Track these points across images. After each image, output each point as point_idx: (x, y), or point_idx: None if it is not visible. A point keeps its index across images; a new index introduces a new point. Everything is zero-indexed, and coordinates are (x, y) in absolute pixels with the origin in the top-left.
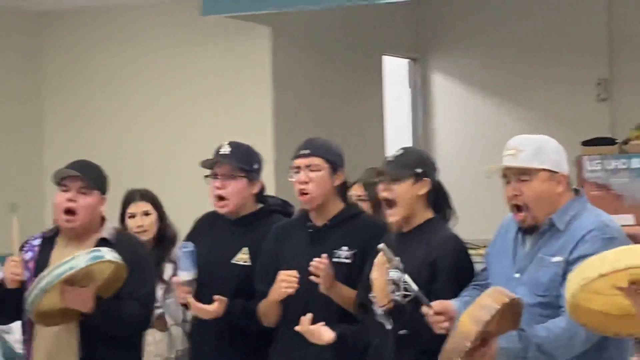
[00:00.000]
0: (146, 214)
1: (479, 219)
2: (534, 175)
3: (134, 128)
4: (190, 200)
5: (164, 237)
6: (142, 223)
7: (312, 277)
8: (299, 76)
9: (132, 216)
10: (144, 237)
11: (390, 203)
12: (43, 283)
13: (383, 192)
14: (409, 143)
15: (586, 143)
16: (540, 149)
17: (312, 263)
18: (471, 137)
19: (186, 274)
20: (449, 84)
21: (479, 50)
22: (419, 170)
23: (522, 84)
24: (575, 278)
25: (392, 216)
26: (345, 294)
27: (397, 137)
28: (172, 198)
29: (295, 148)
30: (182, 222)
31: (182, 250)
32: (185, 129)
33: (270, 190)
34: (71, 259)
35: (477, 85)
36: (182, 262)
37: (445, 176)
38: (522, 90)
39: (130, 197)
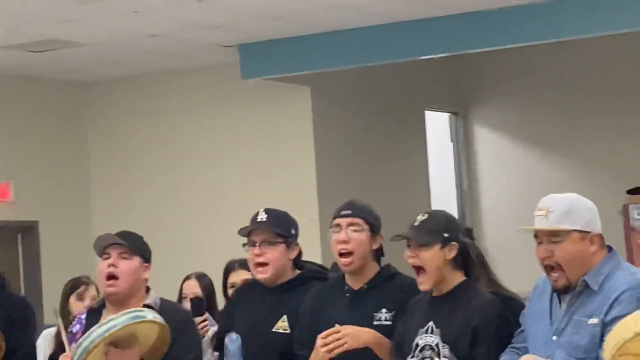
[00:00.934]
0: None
1: (526, 273)
2: (565, 237)
3: (178, 194)
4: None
5: None
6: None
7: (336, 351)
8: (341, 134)
9: (233, 286)
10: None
11: (419, 270)
12: (87, 342)
13: (410, 259)
14: (454, 198)
15: (632, 191)
16: (570, 210)
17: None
18: (516, 189)
19: None
20: (492, 136)
21: (521, 102)
22: (446, 235)
23: (566, 135)
24: (612, 339)
25: (423, 284)
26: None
27: (442, 192)
28: (215, 266)
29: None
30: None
31: (231, 343)
32: (228, 194)
33: (316, 253)
34: (112, 319)
35: (519, 137)
36: (231, 353)
37: (491, 230)
38: (566, 140)
39: (230, 267)
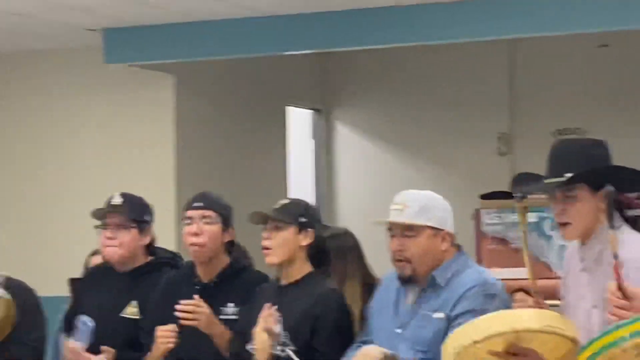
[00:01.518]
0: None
1: (381, 270)
2: (418, 232)
3: (36, 173)
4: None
5: None
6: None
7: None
8: (203, 126)
9: None
10: None
11: (269, 251)
12: None
13: (264, 241)
14: (312, 194)
15: (485, 196)
16: (426, 206)
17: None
18: (374, 188)
19: (80, 345)
20: (353, 135)
21: (383, 102)
22: (304, 220)
23: (425, 137)
24: (450, 345)
25: (268, 256)
26: (226, 337)
27: (301, 188)
28: (68, 243)
29: None
30: (77, 270)
31: (82, 325)
32: (87, 177)
33: (171, 241)
34: None
35: (380, 137)
36: (81, 335)
37: (348, 226)
38: (424, 142)
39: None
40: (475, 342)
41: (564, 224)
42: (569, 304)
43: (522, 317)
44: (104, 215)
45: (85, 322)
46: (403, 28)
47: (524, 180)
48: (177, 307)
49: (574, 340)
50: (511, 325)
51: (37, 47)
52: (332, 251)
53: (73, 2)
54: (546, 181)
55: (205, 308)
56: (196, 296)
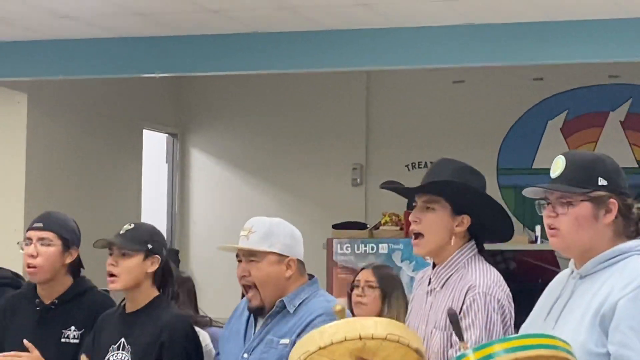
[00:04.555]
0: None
1: (231, 297)
2: (262, 257)
3: None
4: None
5: None
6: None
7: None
8: (55, 145)
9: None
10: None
11: (114, 278)
12: None
13: (109, 267)
14: (164, 218)
15: (337, 226)
16: (270, 232)
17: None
18: (227, 214)
19: None
20: (208, 160)
21: (239, 128)
22: (150, 247)
23: (280, 165)
24: (296, 351)
25: (112, 283)
26: None
27: (153, 211)
28: None
29: None
30: None
31: None
32: None
33: (18, 261)
34: None
35: (234, 163)
36: None
37: (198, 251)
38: (279, 170)
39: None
40: (321, 348)
41: (416, 236)
42: (411, 325)
43: (368, 324)
44: None
45: None
46: (260, 55)
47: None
48: None
49: (418, 352)
50: (357, 332)
51: None
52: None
53: None
54: (412, 186)
55: (29, 356)
56: (25, 341)
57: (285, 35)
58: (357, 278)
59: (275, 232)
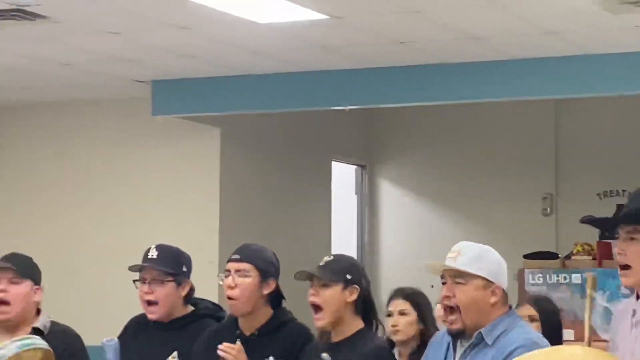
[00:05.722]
0: (402, 313)
1: None
2: (468, 280)
3: (80, 227)
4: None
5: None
6: (397, 322)
7: None
8: (247, 178)
9: (389, 315)
10: (397, 337)
11: (317, 308)
12: None
13: (311, 297)
14: (354, 249)
15: (528, 256)
16: (479, 256)
17: (220, 347)
18: (415, 245)
19: None
20: (396, 191)
21: (427, 159)
22: (349, 277)
23: (468, 195)
24: None
25: (319, 321)
26: None
27: (343, 243)
28: (116, 301)
29: None
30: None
31: (107, 343)
32: (131, 229)
33: (213, 292)
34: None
35: (423, 194)
36: (107, 355)
37: (388, 282)
38: (467, 201)
39: (392, 295)
40: None
41: (623, 267)
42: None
43: (576, 352)
44: (141, 269)
45: (110, 340)
46: (447, 85)
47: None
48: (219, 346)
49: None
50: None
51: (83, 97)
52: None
53: (122, 54)
54: (612, 216)
55: (242, 351)
56: (238, 342)
57: (472, 66)
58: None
59: (484, 257)
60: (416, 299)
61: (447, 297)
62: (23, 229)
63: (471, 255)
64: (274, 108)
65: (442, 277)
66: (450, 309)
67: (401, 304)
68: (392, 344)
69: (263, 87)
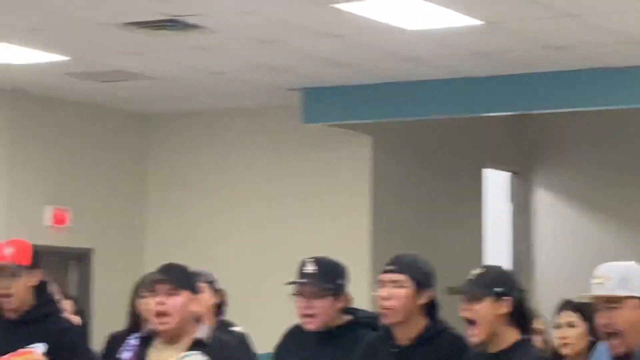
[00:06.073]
0: (571, 325)
1: None
2: (622, 303)
3: (231, 232)
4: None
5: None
6: (566, 335)
7: None
8: (398, 186)
9: (558, 326)
10: (566, 350)
11: (471, 323)
12: None
13: (462, 312)
14: (508, 258)
15: None
16: (627, 277)
17: None
18: (574, 253)
19: None
20: (552, 198)
21: (584, 166)
22: (499, 289)
23: (627, 201)
24: None
25: (473, 337)
26: None
27: (497, 251)
28: (266, 309)
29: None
30: (273, 333)
31: None
32: (281, 235)
33: (365, 302)
34: None
35: (581, 201)
36: None
37: (545, 291)
38: (628, 208)
39: (560, 306)
40: None
41: None
42: None
43: None
44: (298, 284)
45: None
46: (606, 91)
47: None
48: None
49: None
50: None
51: (232, 106)
52: None
53: (274, 62)
54: None
55: None
56: None
57: (628, 71)
58: None
59: (631, 275)
60: (586, 311)
61: (607, 324)
62: (176, 236)
63: (618, 278)
64: (426, 115)
65: (595, 304)
66: (611, 334)
67: (570, 316)
68: (556, 357)
69: (415, 94)
